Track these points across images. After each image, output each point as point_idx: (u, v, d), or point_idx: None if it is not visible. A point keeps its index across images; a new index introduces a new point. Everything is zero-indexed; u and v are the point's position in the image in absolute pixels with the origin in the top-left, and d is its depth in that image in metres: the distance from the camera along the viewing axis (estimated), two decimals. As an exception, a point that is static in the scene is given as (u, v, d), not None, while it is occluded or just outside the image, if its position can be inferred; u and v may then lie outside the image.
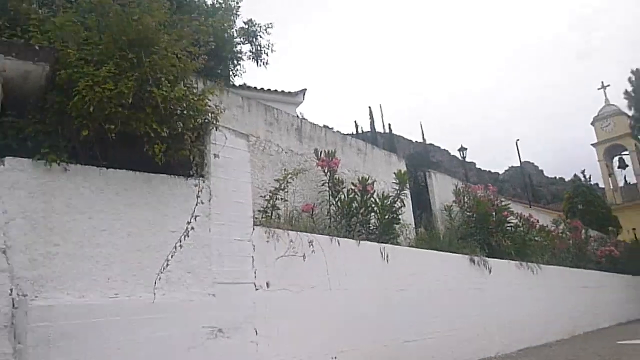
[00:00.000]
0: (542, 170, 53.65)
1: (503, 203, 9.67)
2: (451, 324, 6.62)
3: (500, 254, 8.53)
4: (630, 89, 17.81)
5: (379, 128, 43.94)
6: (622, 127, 24.47)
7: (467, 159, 25.50)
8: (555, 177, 53.03)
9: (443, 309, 6.59)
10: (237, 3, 8.65)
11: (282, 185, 5.09)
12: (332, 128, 7.19)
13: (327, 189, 6.35)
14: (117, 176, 3.62)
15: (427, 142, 48.71)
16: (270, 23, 8.64)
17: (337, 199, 6.30)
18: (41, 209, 3.22)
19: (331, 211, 6.24)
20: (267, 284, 4.43)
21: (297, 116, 6.70)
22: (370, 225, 6.51)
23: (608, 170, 27.15)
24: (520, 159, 27.63)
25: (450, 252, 7.31)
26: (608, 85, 27.44)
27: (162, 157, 3.67)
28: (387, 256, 5.92)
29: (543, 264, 9.64)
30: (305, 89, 13.81)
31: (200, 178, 4.07)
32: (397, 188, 7.04)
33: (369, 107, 28.51)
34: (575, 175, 25.74)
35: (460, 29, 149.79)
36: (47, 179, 3.29)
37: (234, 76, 8.57)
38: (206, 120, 4.18)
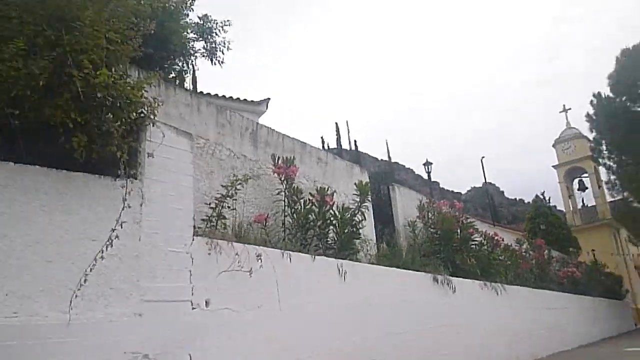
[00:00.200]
0: (502, 192, 54.30)
1: (469, 220, 9.41)
2: (413, 346, 6.20)
3: (464, 273, 8.24)
4: (592, 111, 18.04)
5: (345, 145, 43.73)
6: (583, 150, 24.98)
7: (432, 179, 25.32)
8: (515, 199, 53.79)
9: (404, 330, 6.15)
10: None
11: (230, 192, 4.57)
12: (290, 136, 6.66)
13: (283, 198, 5.87)
14: (26, 172, 3.06)
15: (393, 160, 48.76)
16: (228, 20, 8.08)
17: (293, 210, 5.82)
18: None
19: (286, 223, 5.75)
20: (206, 302, 3.88)
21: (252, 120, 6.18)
22: (329, 239, 6.03)
23: (568, 192, 27.71)
24: (485, 176, 27.74)
25: (413, 270, 6.94)
26: (569, 109, 28.23)
27: (82, 152, 3.18)
28: (345, 273, 5.46)
29: (507, 284, 9.42)
30: (269, 99, 13.03)
31: (130, 179, 3.53)
32: (358, 200, 6.61)
33: (336, 123, 28.08)
34: (536, 196, 25.89)
35: (430, 47, 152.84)
36: None
37: (185, 73, 7.97)
38: (141, 114, 3.67)
